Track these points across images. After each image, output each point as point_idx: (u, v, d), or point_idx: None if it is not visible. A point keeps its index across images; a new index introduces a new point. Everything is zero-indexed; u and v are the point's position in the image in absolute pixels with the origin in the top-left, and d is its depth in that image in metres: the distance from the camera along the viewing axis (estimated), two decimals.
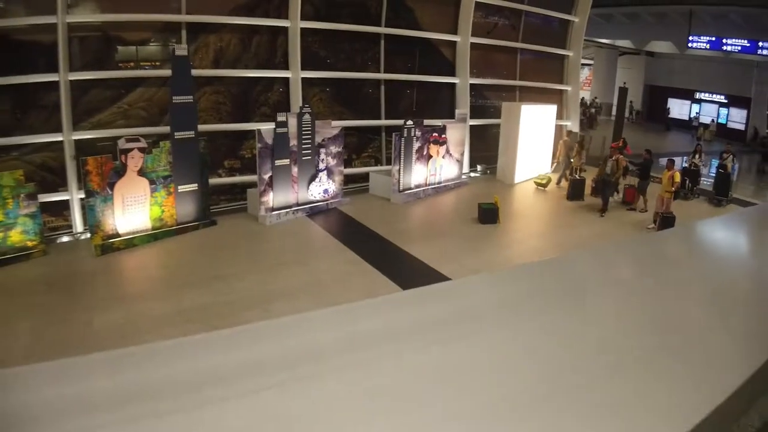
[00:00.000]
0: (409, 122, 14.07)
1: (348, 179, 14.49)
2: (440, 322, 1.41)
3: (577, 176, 15.39)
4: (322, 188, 13.20)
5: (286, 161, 12.38)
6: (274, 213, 12.35)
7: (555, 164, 17.46)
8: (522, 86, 19.05)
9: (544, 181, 16.00)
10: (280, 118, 12.12)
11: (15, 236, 10.53)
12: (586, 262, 2.09)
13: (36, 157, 11.81)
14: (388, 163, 15.06)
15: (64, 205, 11.94)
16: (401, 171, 13.96)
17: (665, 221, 12.07)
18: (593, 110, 34.21)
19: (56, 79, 11.72)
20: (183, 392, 1.07)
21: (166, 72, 12.14)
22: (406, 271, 9.95)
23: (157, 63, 13.23)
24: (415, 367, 1.18)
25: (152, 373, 1.15)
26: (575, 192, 14.89)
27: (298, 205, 12.80)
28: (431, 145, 14.76)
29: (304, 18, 13.90)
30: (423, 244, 11.09)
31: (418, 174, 14.53)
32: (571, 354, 1.28)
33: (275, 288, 9.07)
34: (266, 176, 12.14)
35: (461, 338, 1.32)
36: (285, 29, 13.92)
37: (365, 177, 15.12)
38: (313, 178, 12.96)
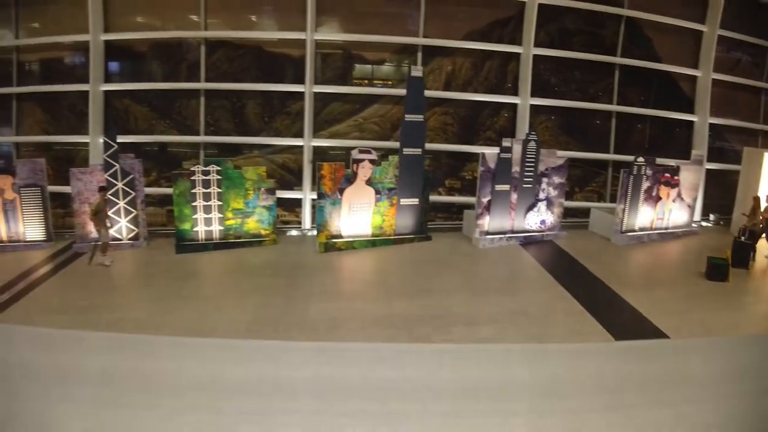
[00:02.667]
0: (640, 159, 13.45)
1: (567, 212, 14.28)
2: (657, 381, 1.34)
3: None
4: (540, 218, 13.15)
5: (507, 187, 12.58)
6: (488, 237, 12.59)
7: None
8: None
9: None
10: (506, 143, 12.38)
11: (251, 224, 12.49)
12: None
13: (278, 157, 13.67)
14: (613, 200, 14.58)
15: (297, 203, 13.79)
16: (626, 210, 13.38)
17: None
18: None
19: (302, 90, 13.48)
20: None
21: (400, 91, 13.17)
22: (619, 317, 9.42)
23: (390, 82, 14.36)
24: (639, 426, 1.13)
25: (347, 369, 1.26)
26: None
27: (513, 232, 12.91)
28: (662, 186, 13.95)
29: (537, 45, 14.19)
30: (640, 292, 10.42)
31: (643, 216, 13.80)
32: None
33: (480, 311, 9.19)
34: (485, 200, 12.44)
35: (685, 401, 1.24)
36: (517, 55, 14.30)
37: (586, 212, 14.77)
38: (531, 207, 12.99)
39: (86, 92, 13.92)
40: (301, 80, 13.51)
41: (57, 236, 13.22)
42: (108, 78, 14.20)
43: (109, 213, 11.89)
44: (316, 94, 13.60)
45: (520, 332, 8.28)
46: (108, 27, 14.07)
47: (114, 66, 14.41)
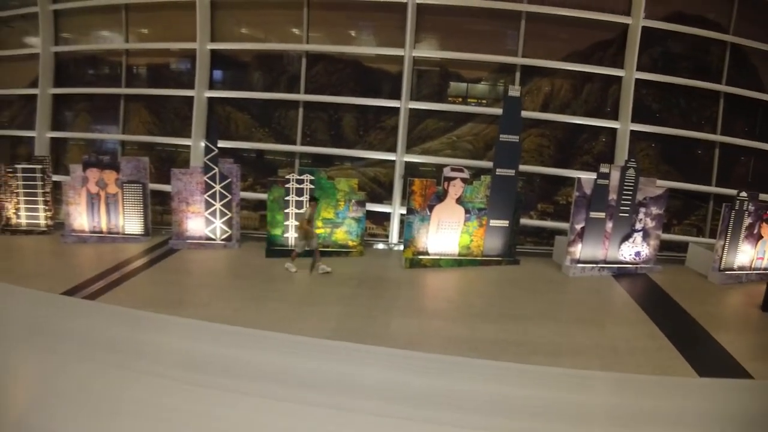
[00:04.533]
0: (743, 194, 13.09)
1: (664, 245, 14.05)
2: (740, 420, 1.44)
3: None
4: (635, 250, 13.01)
5: (602, 215, 12.56)
6: (578, 265, 12.58)
7: None
8: None
9: None
10: (603, 169, 12.39)
11: (340, 234, 13.12)
12: None
13: (370, 170, 14.23)
14: (712, 235, 14.22)
15: (386, 217, 14.34)
16: (726, 248, 13.03)
17: None
18: None
19: (398, 105, 13.94)
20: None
21: (496, 110, 13.45)
22: (710, 360, 9.20)
23: (483, 101, 14.64)
24: None
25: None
26: None
27: (605, 262, 12.84)
28: (764, 224, 13.49)
29: (640, 69, 14.12)
30: (735, 335, 10.13)
31: (743, 254, 13.38)
32: None
33: (565, 342, 9.15)
34: (578, 226, 12.46)
35: None
36: (618, 78, 14.29)
37: (683, 246, 14.48)
38: (626, 238, 12.89)
39: (191, 97, 15.05)
40: (397, 96, 14.04)
41: (154, 232, 14.32)
42: (212, 85, 15.26)
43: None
44: (411, 110, 14.07)
45: (604, 366, 8.27)
46: (214, 36, 15.11)
47: (218, 74, 15.45)
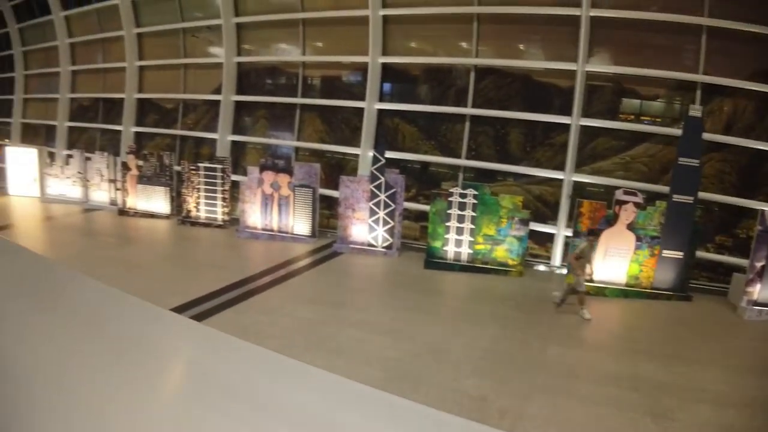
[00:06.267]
0: None
1: None
2: None
3: None
4: None
5: None
6: (756, 308, 11.73)
7: None
8: None
9: None
10: None
11: (500, 252, 13.28)
12: None
13: (535, 188, 14.32)
14: None
15: (548, 238, 14.24)
16: None
17: None
18: None
19: (568, 122, 13.88)
20: None
21: (674, 131, 12.98)
22: None
23: (658, 119, 14.13)
24: None
25: None
26: None
27: None
28: None
29: None
30: None
31: None
32: None
33: (735, 393, 8.10)
34: (758, 264, 11.67)
35: None
36: None
37: None
38: None
39: (361, 108, 16.14)
40: (567, 112, 13.97)
41: (320, 234, 15.49)
42: (382, 97, 16.24)
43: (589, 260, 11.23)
44: (582, 127, 13.94)
45: None
46: (385, 50, 16.05)
47: (387, 86, 16.39)
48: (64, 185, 22.08)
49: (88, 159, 21.30)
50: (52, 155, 24.16)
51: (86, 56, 25.32)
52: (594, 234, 11.53)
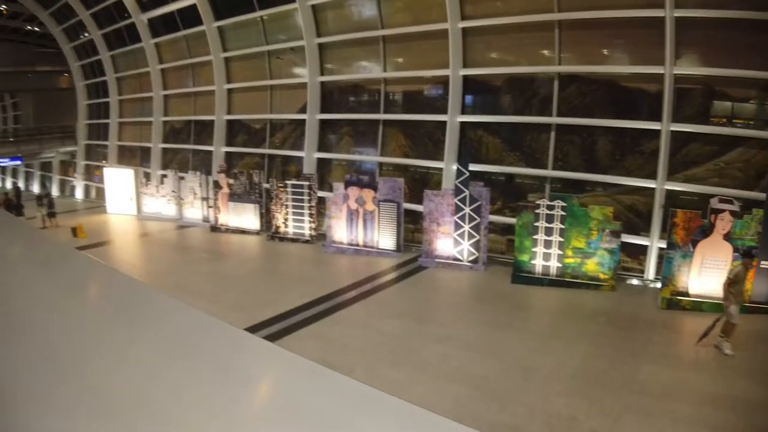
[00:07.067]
0: None
1: None
2: None
3: None
4: None
5: None
6: None
7: None
8: None
9: None
10: None
11: (590, 265, 13.01)
12: None
13: (626, 198, 14.07)
14: None
15: (641, 250, 13.90)
16: None
17: None
18: None
19: (658, 128, 13.53)
20: None
21: None
22: None
23: (751, 122, 13.55)
24: None
25: None
26: None
27: None
28: None
29: None
30: None
31: None
32: None
33: None
34: None
35: None
36: None
37: None
38: None
39: (444, 122, 16.44)
40: (656, 117, 13.62)
41: (405, 248, 15.90)
42: (464, 109, 16.48)
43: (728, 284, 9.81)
44: (672, 132, 13.54)
45: None
46: (466, 62, 16.30)
47: (469, 98, 16.62)
48: (159, 203, 23.72)
49: (181, 178, 22.84)
50: (147, 175, 26.01)
51: (177, 81, 27.12)
52: (749, 256, 10.44)
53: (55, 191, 36.93)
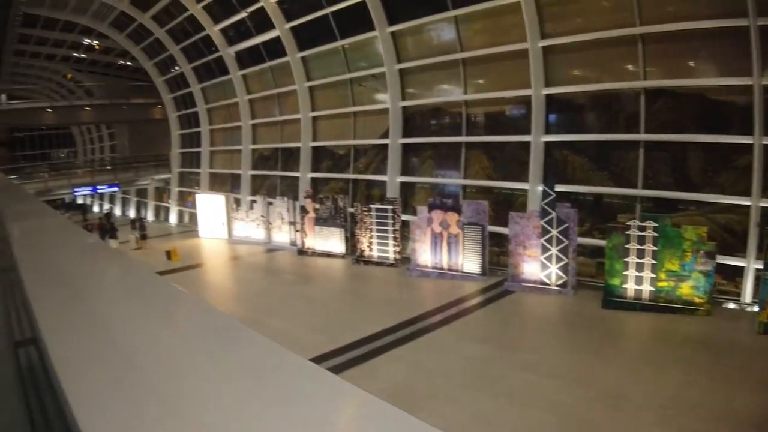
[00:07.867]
0: None
1: None
2: None
3: None
4: None
5: None
6: None
7: None
8: None
9: None
10: None
11: (685, 289, 12.58)
12: None
13: (720, 217, 13.61)
14: None
15: (737, 272, 13.32)
16: None
17: None
18: None
19: (750, 141, 12.98)
20: None
21: None
22: None
23: None
24: None
25: None
26: None
27: None
28: None
29: None
30: None
31: None
32: None
33: None
34: None
35: None
36: None
37: None
38: None
39: (527, 142, 16.48)
40: (748, 130, 13.11)
41: (490, 272, 16.04)
42: (548, 129, 16.46)
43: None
44: (765, 146, 12.98)
45: None
46: (548, 81, 16.29)
47: (553, 117, 16.58)
48: (249, 228, 24.95)
49: (270, 204, 23.99)
50: (237, 201, 27.43)
51: (264, 110, 28.48)
52: None
53: (150, 216, 39.51)
